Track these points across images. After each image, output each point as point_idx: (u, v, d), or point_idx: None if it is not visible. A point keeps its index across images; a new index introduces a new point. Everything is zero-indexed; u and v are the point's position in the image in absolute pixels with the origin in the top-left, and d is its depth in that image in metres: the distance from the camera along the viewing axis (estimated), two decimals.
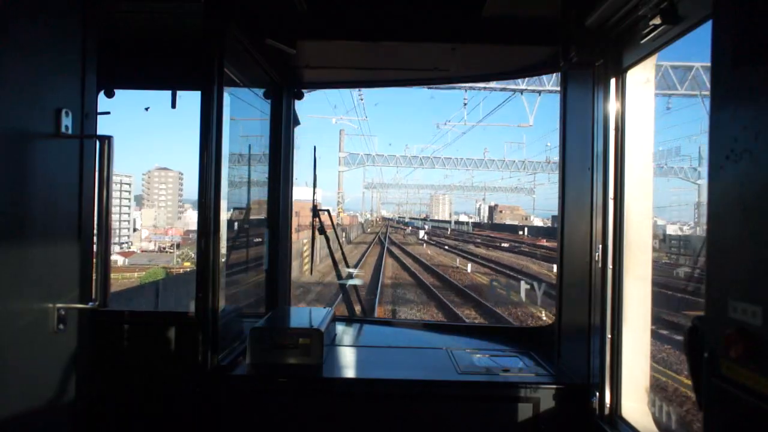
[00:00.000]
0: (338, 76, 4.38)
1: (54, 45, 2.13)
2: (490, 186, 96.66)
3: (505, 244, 52.65)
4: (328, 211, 4.51)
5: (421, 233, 71.27)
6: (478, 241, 62.71)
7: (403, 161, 60.95)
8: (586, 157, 2.97)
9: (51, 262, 2.14)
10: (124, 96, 3.77)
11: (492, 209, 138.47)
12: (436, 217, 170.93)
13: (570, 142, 3.28)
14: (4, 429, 1.89)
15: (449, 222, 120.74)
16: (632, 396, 2.76)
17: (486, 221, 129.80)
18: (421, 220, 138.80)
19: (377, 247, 46.43)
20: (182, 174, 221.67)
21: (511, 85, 35.01)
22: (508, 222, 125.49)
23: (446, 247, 49.06)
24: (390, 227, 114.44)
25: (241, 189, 3.81)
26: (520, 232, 79.75)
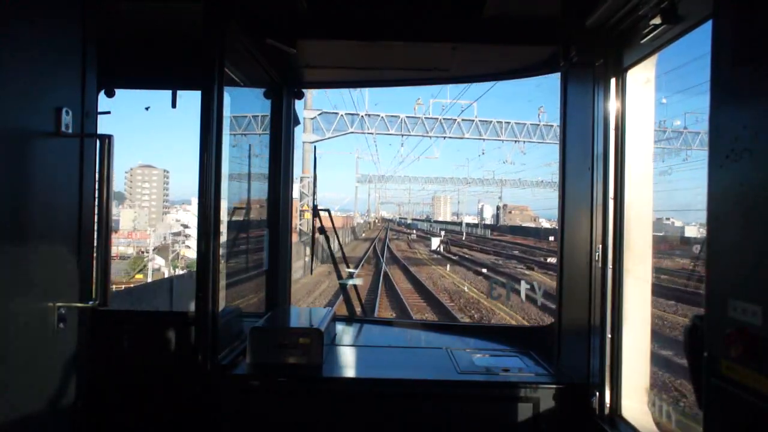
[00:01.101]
0: (338, 75, 4.38)
1: (54, 44, 2.14)
2: (514, 180, 76.70)
3: (553, 260, 28.43)
4: (328, 210, 4.52)
5: (435, 242, 49.33)
6: (516, 253, 41.78)
7: (411, 125, 35.38)
8: (586, 157, 2.97)
9: (51, 260, 2.14)
10: (120, 96, 3.78)
11: (500, 209, 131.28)
12: (439, 218, 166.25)
13: (570, 142, 3.28)
14: (5, 428, 1.90)
15: (459, 224, 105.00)
16: (632, 395, 2.76)
17: (503, 223, 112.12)
18: (424, 221, 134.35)
19: (365, 277, 25.31)
20: (168, 172, 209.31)
21: None
22: (524, 224, 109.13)
23: (485, 271, 27.96)
24: (390, 230, 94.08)
25: (241, 189, 3.81)
26: (552, 238, 55.44)
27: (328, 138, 34.39)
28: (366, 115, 34.83)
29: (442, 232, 64.23)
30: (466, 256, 40.60)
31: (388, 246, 50.00)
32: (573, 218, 3.22)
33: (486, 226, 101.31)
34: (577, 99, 3.20)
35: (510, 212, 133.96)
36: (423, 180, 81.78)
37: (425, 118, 36.08)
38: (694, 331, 1.78)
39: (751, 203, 1.51)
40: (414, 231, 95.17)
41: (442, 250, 45.82)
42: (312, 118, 33.38)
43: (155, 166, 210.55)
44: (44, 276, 2.10)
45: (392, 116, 35.63)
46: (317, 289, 22.51)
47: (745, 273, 1.53)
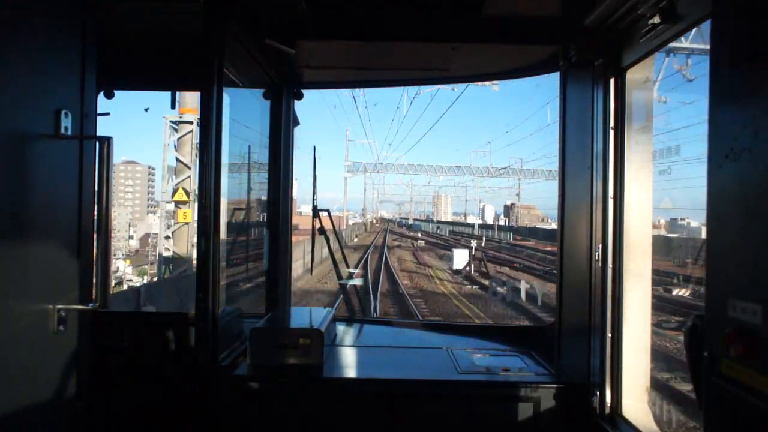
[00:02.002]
0: (338, 76, 4.38)
1: (54, 46, 2.14)
2: (545, 170, 60.56)
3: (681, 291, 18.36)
4: (328, 211, 4.51)
5: (460, 258, 30.63)
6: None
7: None
8: (585, 157, 2.97)
9: (51, 263, 2.15)
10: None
11: (509, 208, 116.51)
12: (441, 218, 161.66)
13: (570, 141, 3.28)
14: (5, 428, 1.90)
15: (470, 225, 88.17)
16: (632, 395, 2.76)
17: (521, 224, 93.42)
18: (426, 221, 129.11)
19: None
20: (153, 169, 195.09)
21: None
22: (537, 225, 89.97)
23: None
24: (390, 233, 76.37)
25: (241, 189, 3.80)
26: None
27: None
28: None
29: (473, 242, 40.44)
30: (518, 285, 22.16)
31: (386, 259, 33.27)
32: (573, 217, 3.22)
33: (503, 228, 79.87)
34: (576, 98, 3.20)
35: (518, 212, 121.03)
36: (434, 169, 61.06)
37: None
38: (695, 330, 1.78)
39: (751, 203, 1.51)
40: (419, 233, 77.39)
41: (472, 271, 28.62)
42: None
43: (139, 162, 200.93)
44: (44, 278, 2.10)
45: None
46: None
47: (745, 272, 1.53)
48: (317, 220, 4.36)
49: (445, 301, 21.17)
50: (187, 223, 19.44)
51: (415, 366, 3.46)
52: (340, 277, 4.67)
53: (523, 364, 3.40)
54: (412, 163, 58.69)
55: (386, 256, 35.94)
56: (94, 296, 2.32)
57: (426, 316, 18.40)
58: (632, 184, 2.77)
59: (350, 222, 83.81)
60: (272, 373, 3.15)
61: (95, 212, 2.34)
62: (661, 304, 16.57)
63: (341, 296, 4.83)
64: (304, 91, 4.28)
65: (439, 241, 59.94)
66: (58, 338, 2.16)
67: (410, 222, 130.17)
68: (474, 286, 25.27)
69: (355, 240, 58.10)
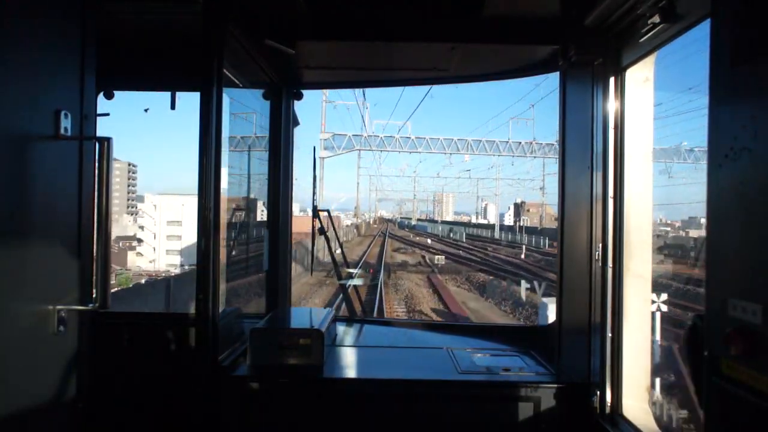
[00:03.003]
0: (338, 76, 4.38)
1: (53, 46, 2.14)
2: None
3: None
4: (327, 211, 4.51)
5: None
6: None
7: None
8: (585, 156, 2.97)
9: (51, 263, 2.15)
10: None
11: (519, 207, 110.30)
12: (444, 218, 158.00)
13: (570, 141, 3.28)
14: (5, 430, 1.90)
15: (488, 227, 77.76)
16: (633, 394, 2.76)
17: (545, 225, 77.39)
18: (429, 221, 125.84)
19: None
20: (134, 166, 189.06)
21: None
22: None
23: None
24: (390, 237, 62.01)
25: (240, 190, 3.80)
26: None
27: None
28: None
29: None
30: None
31: (381, 300, 19.43)
32: (573, 217, 3.22)
33: (530, 231, 61.56)
34: (576, 98, 3.20)
35: (528, 210, 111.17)
36: (455, 144, 40.32)
37: None
38: (695, 330, 1.78)
39: (751, 202, 1.51)
40: (427, 239, 59.27)
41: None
42: None
43: (119, 159, 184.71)
44: (44, 279, 2.10)
45: None
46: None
47: (745, 272, 1.53)
48: (317, 220, 4.36)
49: None
50: None
51: (416, 366, 3.46)
52: (339, 277, 4.67)
53: (523, 363, 3.40)
54: (422, 136, 39.19)
55: (381, 295, 20.03)
56: (94, 297, 2.32)
57: None
58: (632, 183, 2.77)
59: (346, 223, 69.17)
60: (272, 373, 3.15)
61: (95, 213, 2.34)
62: None
63: (341, 296, 4.82)
64: (304, 92, 4.29)
65: (460, 252, 41.40)
66: (58, 339, 2.16)
67: (413, 222, 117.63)
68: None
69: (338, 252, 30.50)
